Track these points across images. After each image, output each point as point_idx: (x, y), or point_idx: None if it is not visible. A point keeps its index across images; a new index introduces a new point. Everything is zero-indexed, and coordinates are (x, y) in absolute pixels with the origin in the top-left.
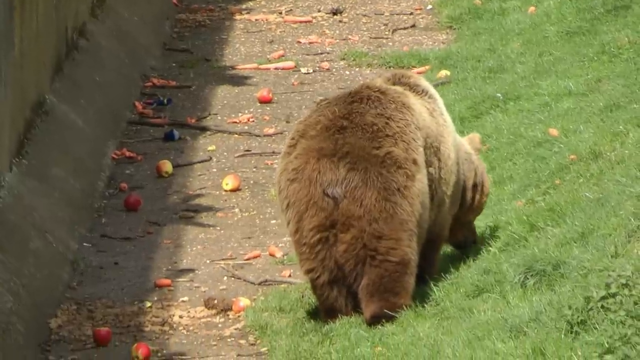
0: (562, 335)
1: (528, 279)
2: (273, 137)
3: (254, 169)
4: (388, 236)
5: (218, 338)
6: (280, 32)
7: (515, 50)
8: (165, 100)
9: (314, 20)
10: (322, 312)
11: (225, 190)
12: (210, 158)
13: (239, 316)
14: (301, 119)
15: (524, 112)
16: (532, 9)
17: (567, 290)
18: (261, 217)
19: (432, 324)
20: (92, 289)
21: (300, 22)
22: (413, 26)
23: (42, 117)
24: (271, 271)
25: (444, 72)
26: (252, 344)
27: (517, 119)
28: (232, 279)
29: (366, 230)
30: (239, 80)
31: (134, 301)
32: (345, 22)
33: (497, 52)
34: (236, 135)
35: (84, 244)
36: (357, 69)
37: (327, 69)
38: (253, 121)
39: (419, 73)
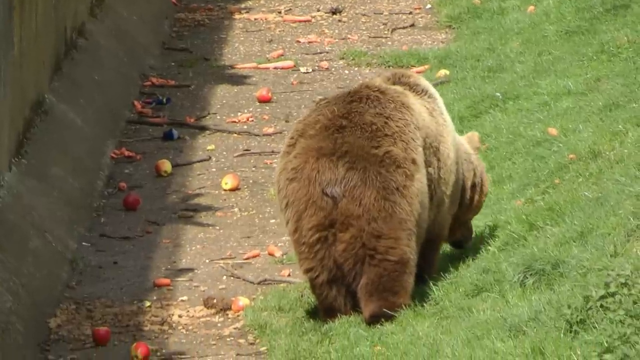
0: (562, 335)
1: (527, 278)
2: (272, 137)
3: (253, 169)
4: (387, 235)
5: (217, 337)
6: (279, 31)
7: (514, 50)
8: (164, 100)
9: (313, 20)
10: (321, 312)
11: (225, 190)
12: (210, 157)
13: (238, 315)
14: (300, 119)
15: (523, 111)
16: (531, 8)
17: (566, 289)
18: (260, 216)
19: (431, 323)
20: (91, 289)
21: (300, 21)
22: (412, 25)
23: (41, 117)
24: (270, 270)
25: (443, 72)
26: (251, 344)
27: (516, 118)
28: (232, 278)
29: (365, 230)
30: (238, 80)
31: (133, 300)
32: (344, 22)
33: (497, 51)
34: (235, 135)
35: (83, 243)
36: (356, 69)
37: (327, 69)
38: (252, 120)
39: (418, 72)
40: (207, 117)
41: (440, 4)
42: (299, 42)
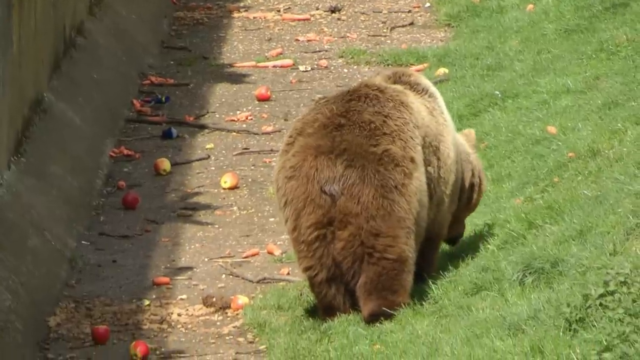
0: (561, 333)
1: (526, 276)
2: (271, 135)
3: (252, 167)
4: (385, 234)
5: (216, 336)
6: (278, 30)
7: (513, 48)
8: (163, 98)
9: (312, 18)
10: (321, 310)
11: (224, 188)
12: (209, 156)
13: (237, 314)
14: (299, 117)
15: (522, 109)
16: (530, 6)
17: (565, 288)
18: (259, 215)
19: (430, 322)
20: (90, 287)
21: (299, 20)
22: (411, 24)
23: (40, 115)
24: (269, 269)
25: (442, 70)
26: (250, 342)
27: (515, 116)
28: (231, 276)
29: (363, 228)
30: (237, 78)
31: (132, 299)
32: (343, 20)
33: (496, 49)
34: (234, 133)
35: (82, 242)
36: (355, 67)
37: (326, 67)
38: (251, 119)
39: (417, 71)
40: (206, 116)
41: (439, 3)
42: (298, 40)
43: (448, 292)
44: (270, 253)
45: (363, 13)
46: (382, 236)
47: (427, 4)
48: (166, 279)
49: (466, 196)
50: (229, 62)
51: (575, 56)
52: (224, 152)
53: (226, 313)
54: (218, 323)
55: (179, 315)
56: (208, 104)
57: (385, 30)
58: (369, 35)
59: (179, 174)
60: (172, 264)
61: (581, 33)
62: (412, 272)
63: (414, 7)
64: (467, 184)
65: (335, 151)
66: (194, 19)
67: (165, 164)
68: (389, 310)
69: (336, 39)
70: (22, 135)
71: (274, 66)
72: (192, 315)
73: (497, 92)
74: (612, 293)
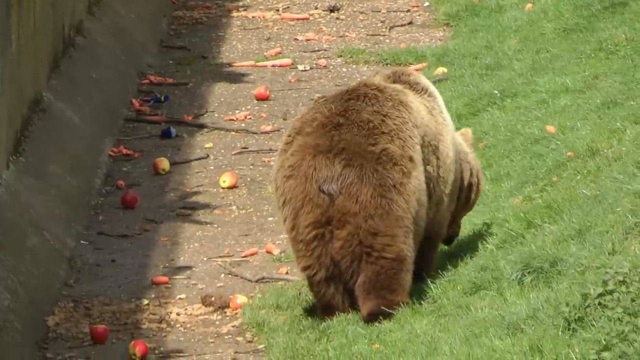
0: (560, 332)
1: (525, 276)
2: (270, 135)
3: (251, 167)
4: (383, 233)
5: (215, 335)
6: (277, 29)
7: (512, 47)
8: (162, 98)
9: (311, 18)
10: (319, 309)
11: (223, 188)
12: (208, 155)
13: (236, 313)
14: (298, 116)
15: (521, 109)
16: (529, 6)
17: (564, 287)
18: (258, 214)
19: (429, 321)
20: (89, 287)
21: (297, 19)
22: (410, 23)
23: (39, 115)
24: (268, 268)
25: (441, 69)
26: (249, 341)
27: (514, 116)
28: (230, 276)
29: (362, 227)
30: (235, 78)
31: (131, 299)
32: (342, 19)
33: (494, 49)
34: (233, 133)
35: (81, 241)
36: (354, 66)
37: (324, 66)
38: (250, 118)
39: (416, 70)
40: (205, 115)
41: (438, 2)
42: (297, 39)
43: (447, 291)
44: (269, 252)
45: (362, 12)
46: (381, 235)
47: (426, 4)
48: (165, 279)
49: (464, 196)
50: (227, 61)
51: (574, 55)
52: (222, 151)
53: (225, 312)
54: (217, 322)
55: (178, 314)
56: (207, 103)
57: (384, 30)
58: (367, 35)
59: (178, 173)
60: (171, 264)
61: (580, 32)
62: (410, 271)
63: (413, 7)
64: (465, 183)
65: (333, 150)
66: (193, 18)
67: (164, 164)
68: (387, 310)
69: (335, 38)
70: (21, 135)
71: (273, 65)
72: (191, 314)
73: (496, 92)
74: (611, 292)
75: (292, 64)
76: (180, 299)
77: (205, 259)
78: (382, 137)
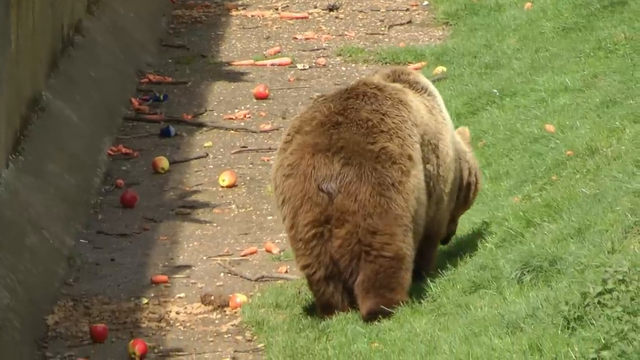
0: (559, 331)
1: (524, 274)
2: (269, 133)
3: (251, 165)
4: (382, 231)
5: (215, 334)
6: (276, 28)
7: (511, 46)
8: (161, 97)
9: (310, 17)
10: (319, 308)
11: (222, 187)
12: (207, 154)
13: (235, 312)
14: (297, 115)
15: (520, 108)
16: (528, 5)
17: (563, 286)
18: (257, 213)
19: (428, 320)
20: (88, 286)
21: (297, 18)
22: (409, 22)
23: (38, 114)
24: (268, 267)
25: (440, 68)
26: (248, 340)
27: (513, 114)
28: (229, 275)
29: (360, 226)
30: (235, 77)
31: (130, 297)
32: (341, 18)
33: (494, 48)
34: (232, 132)
35: (80, 240)
36: (353, 65)
37: (324, 65)
38: (249, 117)
39: (415, 69)
40: (204, 114)
41: (437, 1)
42: (296, 38)
43: (446, 290)
44: (268, 251)
45: (361, 11)
46: (379, 234)
47: (425, 2)
48: (164, 277)
49: (463, 195)
50: (227, 60)
51: (573, 54)
52: (222, 150)
53: (224, 311)
54: (216, 321)
55: (178, 313)
56: (206, 102)
57: (383, 29)
58: (367, 34)
59: (177, 172)
60: (170, 262)
61: (579, 31)
62: (410, 270)
63: (412, 6)
64: (464, 182)
65: (332, 149)
66: (192, 17)
67: (163, 162)
68: (387, 309)
69: (334, 37)
70: (20, 134)
71: (272, 64)
72: (190, 313)
73: (495, 91)
74: (610, 291)
75: (292, 62)
76: (179, 297)
77: (204, 257)
78: (381, 135)
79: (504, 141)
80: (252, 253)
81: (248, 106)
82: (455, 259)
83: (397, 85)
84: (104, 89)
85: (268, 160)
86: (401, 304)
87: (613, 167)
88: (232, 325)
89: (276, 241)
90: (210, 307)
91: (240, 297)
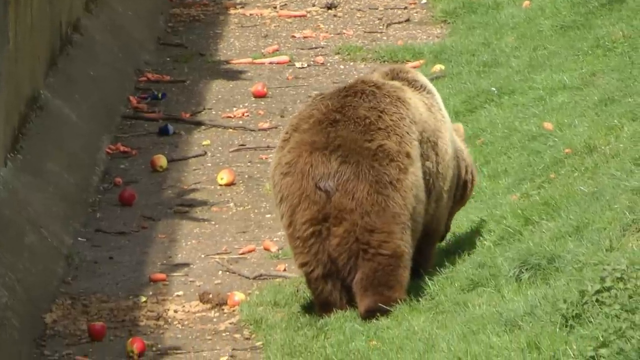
0: (557, 329)
1: (523, 272)
2: (267, 132)
3: (249, 164)
4: (380, 229)
5: (213, 332)
6: (274, 26)
7: (509, 45)
8: (159, 95)
9: (308, 15)
10: (317, 306)
11: (220, 185)
12: (205, 152)
13: (233, 310)
14: (295, 113)
15: (518, 106)
16: (526, 3)
17: (562, 284)
18: (256, 211)
19: (427, 318)
20: (86, 284)
21: (295, 16)
22: (407, 20)
23: (37, 112)
24: (266, 265)
25: (438, 67)
26: (247, 338)
27: (511, 113)
28: (227, 273)
29: (358, 224)
30: (233, 75)
31: (128, 296)
32: (339, 17)
33: (492, 46)
34: (231, 130)
35: (79, 238)
36: (351, 63)
37: (322, 64)
38: (247, 116)
39: (414, 67)
40: (203, 113)
41: None
42: (294, 37)
43: (444, 288)
44: (266, 249)
45: (359, 10)
46: (377, 232)
47: (424, 1)
48: (162, 276)
49: (460, 192)
50: (225, 58)
51: (572, 52)
52: (220, 148)
53: (223, 309)
54: (214, 319)
55: (176, 311)
56: (204, 100)
57: (381, 27)
58: (365, 32)
59: (176, 170)
60: (168, 261)
61: (577, 29)
62: (408, 268)
63: (410, 4)
64: (461, 180)
65: (329, 147)
66: (190, 15)
67: (161, 161)
68: (385, 307)
69: (332, 35)
70: (18, 132)
71: (270, 63)
72: (188, 311)
73: (493, 89)
74: (608, 289)
75: (290, 61)
76: (177, 296)
77: (202, 256)
78: (378, 133)
79: (502, 139)
80: (250, 251)
81: (246, 104)
82: (454, 256)
83: (396, 83)
84: (103, 88)
85: (266, 158)
86: (399, 301)
87: (611, 165)
88: (230, 324)
89: (274, 239)
90: (209, 305)
91: (239, 295)
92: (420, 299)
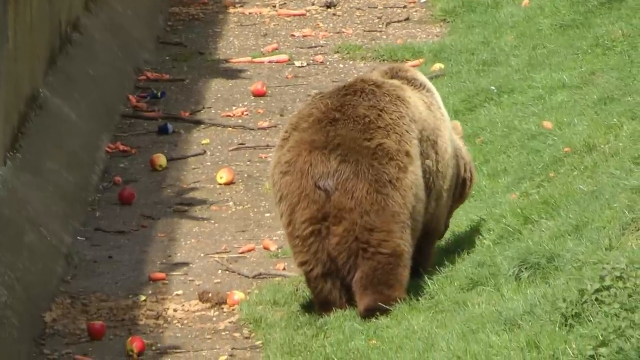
0: (557, 328)
1: (522, 271)
2: (267, 131)
3: (248, 163)
4: (379, 228)
5: (212, 331)
6: (274, 25)
7: (509, 43)
8: (158, 94)
9: (307, 14)
10: (317, 305)
11: (220, 184)
12: (204, 151)
13: (233, 309)
14: (295, 112)
15: (518, 105)
16: (525, 1)
17: (561, 283)
18: (255, 210)
19: (426, 317)
20: (86, 283)
21: (294, 15)
22: (407, 19)
23: (36, 111)
24: (265, 264)
25: (437, 65)
26: (246, 337)
27: (511, 111)
28: (227, 272)
29: (358, 223)
30: (232, 74)
31: (128, 295)
32: (339, 15)
33: (491, 45)
34: (230, 129)
35: (78, 237)
36: (351, 62)
37: (321, 62)
38: (247, 114)
39: (413, 66)
40: (202, 111)
41: None
42: (294, 36)
43: (444, 287)
44: (266, 248)
45: (358, 8)
46: (377, 231)
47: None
48: (162, 275)
49: (459, 190)
50: (224, 57)
51: (571, 51)
52: (219, 147)
53: (222, 308)
54: (214, 318)
55: (175, 310)
56: (204, 99)
57: (380, 26)
58: (364, 31)
59: (175, 169)
60: (168, 260)
61: (577, 28)
62: (408, 267)
63: (410, 3)
64: (460, 178)
65: (329, 146)
66: (189, 14)
67: (161, 160)
68: (384, 305)
69: (332, 34)
70: (17, 131)
71: (270, 61)
72: (188, 310)
73: (493, 87)
74: (608, 288)
75: (289, 60)
76: (177, 295)
77: (202, 255)
78: (378, 131)
79: (501, 138)
80: (249, 250)
81: (246, 103)
82: (453, 255)
83: (395, 82)
84: (102, 87)
85: (266, 157)
86: (399, 300)
87: (610, 164)
88: (229, 323)
89: (274, 238)
90: (208, 305)
91: (238, 295)
92: (419, 297)
